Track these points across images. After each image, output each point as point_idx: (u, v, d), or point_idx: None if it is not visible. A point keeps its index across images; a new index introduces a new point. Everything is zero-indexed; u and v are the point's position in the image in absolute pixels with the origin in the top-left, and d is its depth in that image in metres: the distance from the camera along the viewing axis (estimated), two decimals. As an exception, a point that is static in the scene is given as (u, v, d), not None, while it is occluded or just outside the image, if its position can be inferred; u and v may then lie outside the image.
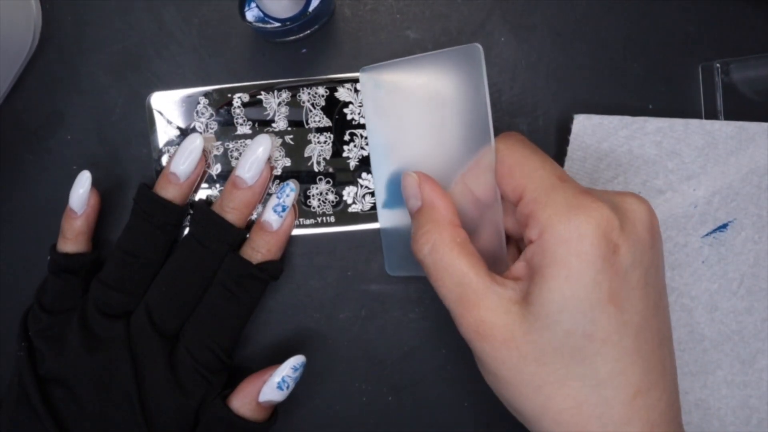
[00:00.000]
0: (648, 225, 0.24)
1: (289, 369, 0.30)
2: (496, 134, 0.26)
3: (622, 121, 0.31)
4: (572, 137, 0.31)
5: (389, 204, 0.32)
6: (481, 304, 0.24)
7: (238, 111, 0.33)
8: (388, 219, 0.32)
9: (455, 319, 0.25)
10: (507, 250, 0.27)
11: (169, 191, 0.31)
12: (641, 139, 0.31)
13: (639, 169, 0.32)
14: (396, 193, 0.32)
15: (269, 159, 0.32)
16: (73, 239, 0.31)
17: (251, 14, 0.31)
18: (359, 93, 0.32)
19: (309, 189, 0.33)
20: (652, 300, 0.24)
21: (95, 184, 0.32)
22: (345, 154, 0.33)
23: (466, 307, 0.24)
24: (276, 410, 0.31)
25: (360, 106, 0.33)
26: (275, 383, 0.30)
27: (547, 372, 0.23)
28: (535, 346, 0.23)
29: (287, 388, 0.30)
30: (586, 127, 0.31)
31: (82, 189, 0.31)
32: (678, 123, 0.31)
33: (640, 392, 0.23)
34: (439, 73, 0.28)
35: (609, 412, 0.23)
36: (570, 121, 0.32)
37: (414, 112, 0.30)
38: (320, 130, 0.33)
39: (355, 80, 0.33)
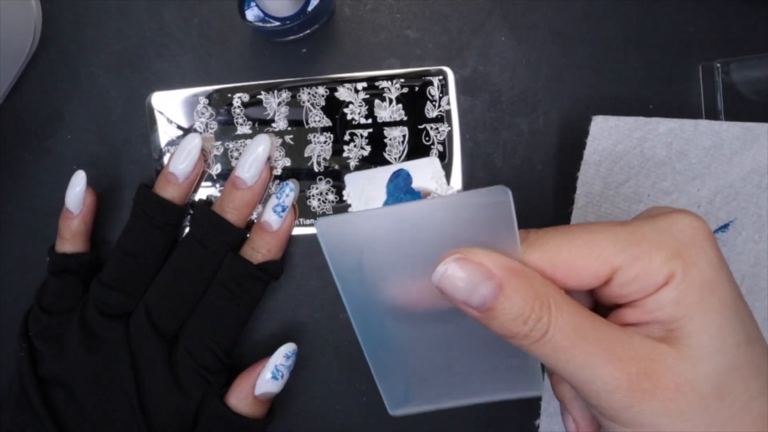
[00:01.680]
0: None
1: (281, 357, 0.30)
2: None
3: (636, 122, 0.31)
4: (589, 140, 0.31)
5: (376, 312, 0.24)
6: (636, 356, 0.20)
7: (238, 111, 0.33)
8: (376, 335, 0.24)
9: (597, 390, 0.20)
10: None
11: (168, 191, 0.31)
12: (653, 140, 0.31)
13: (649, 171, 0.31)
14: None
15: (269, 159, 0.32)
16: (70, 239, 0.31)
17: (251, 14, 0.31)
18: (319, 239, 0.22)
19: (309, 189, 0.33)
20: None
21: (95, 183, 0.32)
22: (345, 154, 0.33)
23: (619, 364, 0.20)
24: (273, 406, 0.31)
25: (360, 106, 0.33)
26: (269, 374, 0.30)
27: (730, 403, 0.20)
28: (708, 381, 0.20)
29: (282, 377, 0.30)
30: (602, 129, 0.31)
31: (77, 188, 0.31)
32: (688, 124, 0.31)
33: None
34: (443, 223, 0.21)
35: None
36: (572, 121, 0.32)
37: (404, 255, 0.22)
38: (320, 130, 0.33)
39: (356, 80, 0.33)
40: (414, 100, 0.33)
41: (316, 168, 0.33)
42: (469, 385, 0.25)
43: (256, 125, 0.33)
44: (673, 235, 0.21)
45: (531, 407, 0.33)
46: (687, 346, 0.20)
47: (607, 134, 0.31)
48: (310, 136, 0.33)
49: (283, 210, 0.31)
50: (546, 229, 0.22)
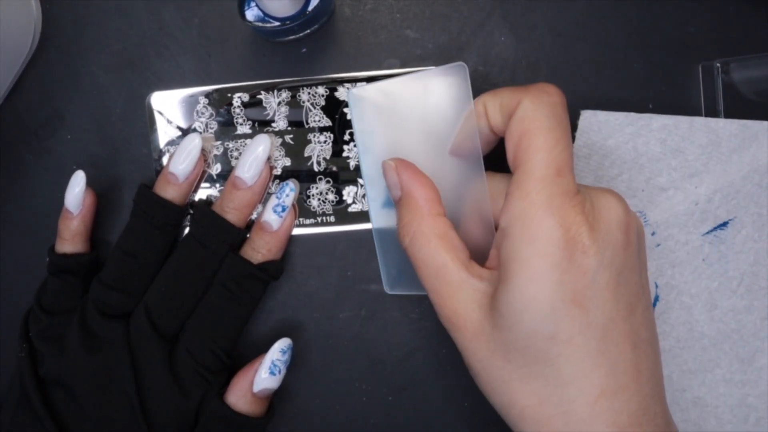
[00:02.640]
0: (623, 225, 0.23)
1: (277, 353, 0.30)
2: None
3: (627, 118, 0.31)
4: (578, 133, 0.31)
5: (389, 205, 0.31)
6: (455, 297, 0.24)
7: (238, 111, 0.33)
8: (384, 226, 0.31)
9: (434, 308, 0.26)
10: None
11: (168, 191, 0.31)
12: (646, 136, 0.31)
13: (643, 166, 0.32)
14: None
15: (269, 159, 0.32)
16: (70, 240, 0.31)
17: (251, 14, 0.31)
18: (348, 109, 0.31)
19: (309, 189, 0.33)
20: (624, 301, 0.23)
21: (95, 183, 0.32)
22: (345, 154, 0.33)
23: (442, 299, 0.25)
24: (272, 403, 0.32)
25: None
26: (266, 370, 0.30)
27: (513, 368, 0.23)
28: (500, 343, 0.23)
29: (279, 372, 0.30)
30: (592, 124, 0.31)
31: (77, 188, 0.31)
32: (683, 121, 0.31)
33: (605, 393, 0.22)
34: (426, 89, 0.28)
35: (573, 411, 0.23)
36: (572, 121, 0.32)
37: (405, 125, 0.29)
38: (320, 130, 0.33)
39: (356, 80, 0.33)
40: (414, 100, 0.33)
41: (316, 168, 0.33)
42: None
43: (256, 125, 0.33)
44: (588, 191, 0.24)
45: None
46: (497, 300, 0.23)
47: (597, 128, 0.31)
48: (310, 136, 0.33)
49: (283, 210, 0.31)
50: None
